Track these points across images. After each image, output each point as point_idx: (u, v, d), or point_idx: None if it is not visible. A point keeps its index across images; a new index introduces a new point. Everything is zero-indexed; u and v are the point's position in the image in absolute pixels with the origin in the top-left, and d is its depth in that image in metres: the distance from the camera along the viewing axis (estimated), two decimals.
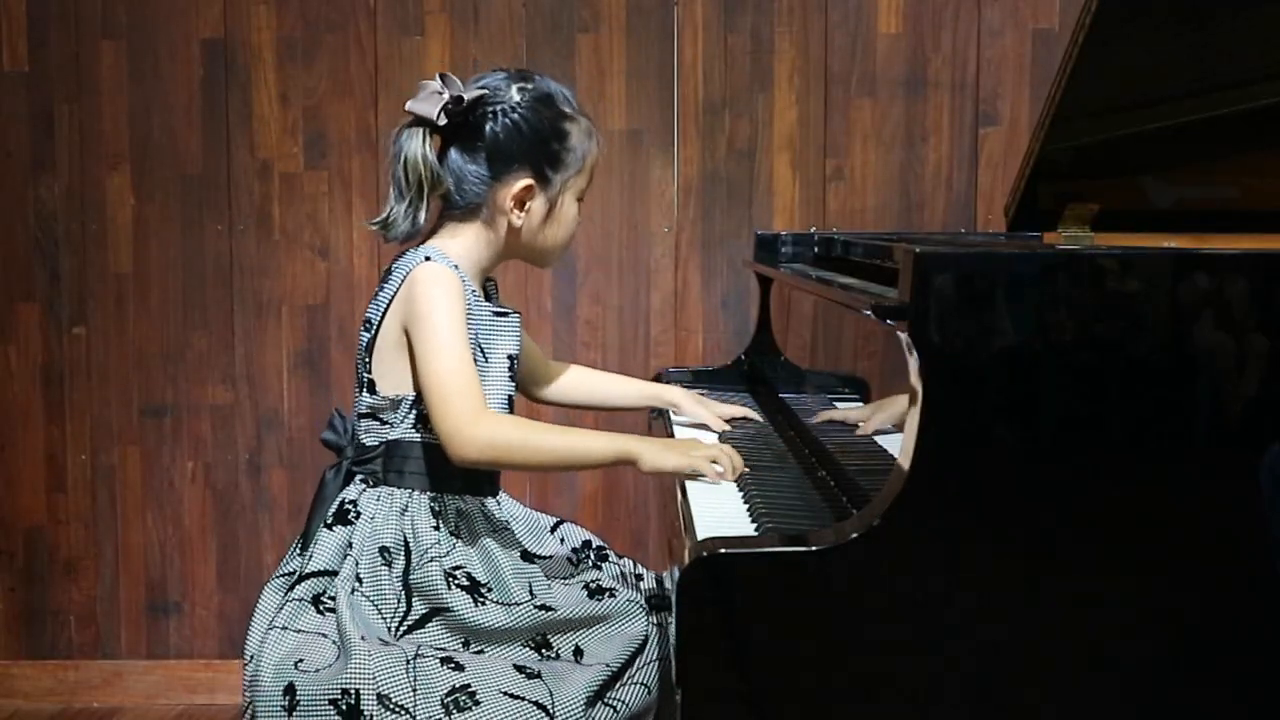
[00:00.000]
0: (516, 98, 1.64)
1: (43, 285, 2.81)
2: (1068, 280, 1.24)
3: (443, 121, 1.61)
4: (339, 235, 2.78)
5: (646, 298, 2.76)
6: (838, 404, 1.76)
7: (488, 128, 1.64)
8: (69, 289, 2.81)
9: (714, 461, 1.60)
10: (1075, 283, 1.24)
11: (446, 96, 1.61)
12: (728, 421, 1.95)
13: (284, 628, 1.56)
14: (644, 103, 2.73)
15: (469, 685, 1.49)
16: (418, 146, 1.62)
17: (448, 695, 1.48)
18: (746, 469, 1.61)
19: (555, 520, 1.81)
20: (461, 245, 1.67)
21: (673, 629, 1.26)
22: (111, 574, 2.86)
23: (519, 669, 1.53)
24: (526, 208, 1.67)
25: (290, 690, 1.49)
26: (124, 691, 2.87)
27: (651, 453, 1.59)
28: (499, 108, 1.64)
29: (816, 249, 2.26)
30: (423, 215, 1.64)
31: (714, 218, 2.74)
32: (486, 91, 1.64)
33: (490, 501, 1.69)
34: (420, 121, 1.62)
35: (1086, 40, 1.84)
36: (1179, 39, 1.92)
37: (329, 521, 1.63)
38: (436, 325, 1.57)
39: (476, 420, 1.55)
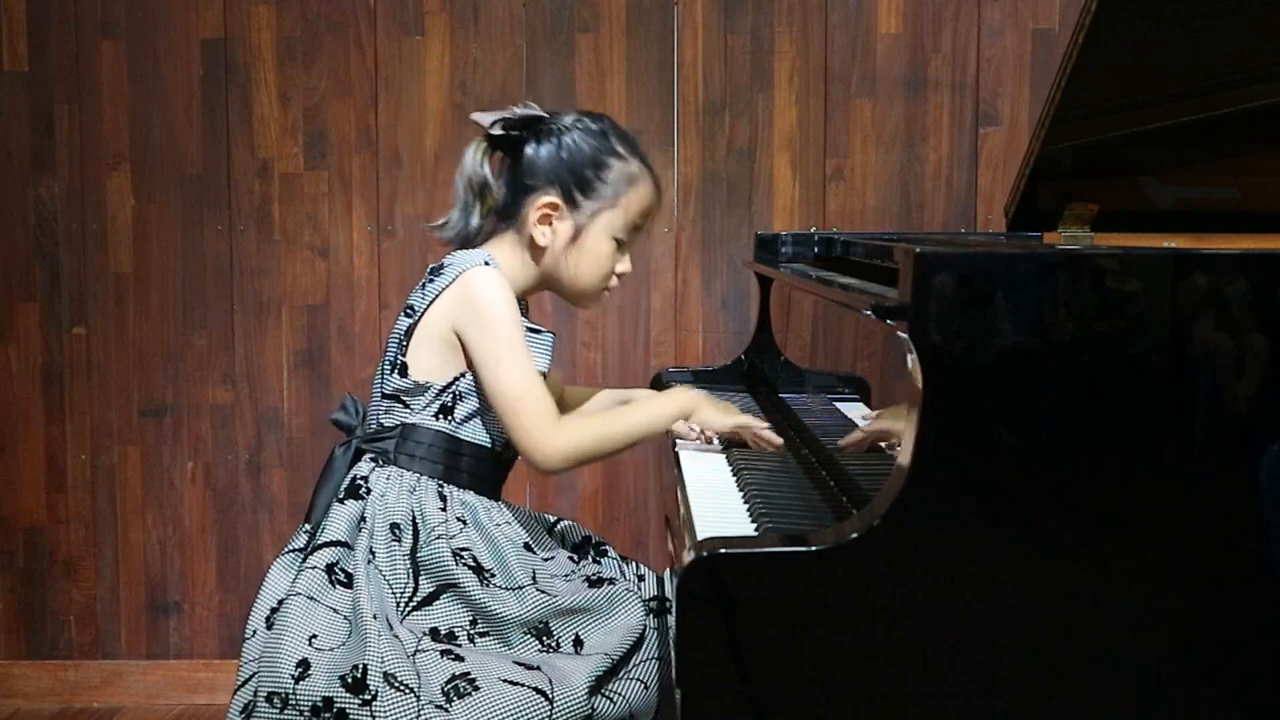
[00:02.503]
0: (568, 122, 1.72)
1: (43, 285, 2.81)
2: (1068, 280, 1.24)
3: (496, 131, 1.70)
4: (339, 235, 2.78)
5: (646, 298, 2.76)
6: (838, 404, 1.76)
7: (533, 143, 1.71)
8: (69, 289, 2.81)
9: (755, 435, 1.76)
10: (1075, 283, 1.24)
11: (507, 112, 1.71)
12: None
13: (302, 595, 1.58)
14: (644, 103, 2.73)
15: (469, 674, 1.51)
16: (471, 156, 1.72)
17: (448, 683, 1.50)
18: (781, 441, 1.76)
19: (553, 519, 1.82)
20: (505, 258, 1.73)
21: (673, 629, 1.26)
22: (111, 574, 2.86)
23: (519, 663, 1.55)
24: (551, 226, 1.71)
25: (303, 664, 1.51)
26: (124, 691, 2.87)
27: (706, 409, 1.78)
28: (550, 128, 1.72)
29: (816, 249, 2.26)
30: (474, 221, 1.73)
31: (714, 218, 2.74)
32: (547, 115, 1.73)
33: (492, 503, 1.70)
34: (483, 135, 1.71)
35: (1086, 40, 1.84)
36: (1179, 39, 1.92)
37: (340, 496, 1.66)
38: (499, 336, 1.64)
39: (554, 434, 1.64)
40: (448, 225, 1.74)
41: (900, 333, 1.25)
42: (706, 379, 2.34)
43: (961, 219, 2.70)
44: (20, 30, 2.77)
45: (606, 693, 1.57)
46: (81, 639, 2.87)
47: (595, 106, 2.70)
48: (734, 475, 1.66)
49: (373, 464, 1.68)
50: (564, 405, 1.97)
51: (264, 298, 2.80)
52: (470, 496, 1.67)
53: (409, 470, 1.66)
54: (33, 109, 2.78)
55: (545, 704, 1.49)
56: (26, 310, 2.82)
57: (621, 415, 1.75)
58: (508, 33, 2.73)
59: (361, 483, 1.66)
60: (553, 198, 1.70)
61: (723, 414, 1.78)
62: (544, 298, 2.75)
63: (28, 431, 2.84)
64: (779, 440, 1.76)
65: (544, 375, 1.71)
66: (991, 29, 2.67)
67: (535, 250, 1.72)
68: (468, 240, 1.74)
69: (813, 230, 2.55)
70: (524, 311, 1.77)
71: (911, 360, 1.23)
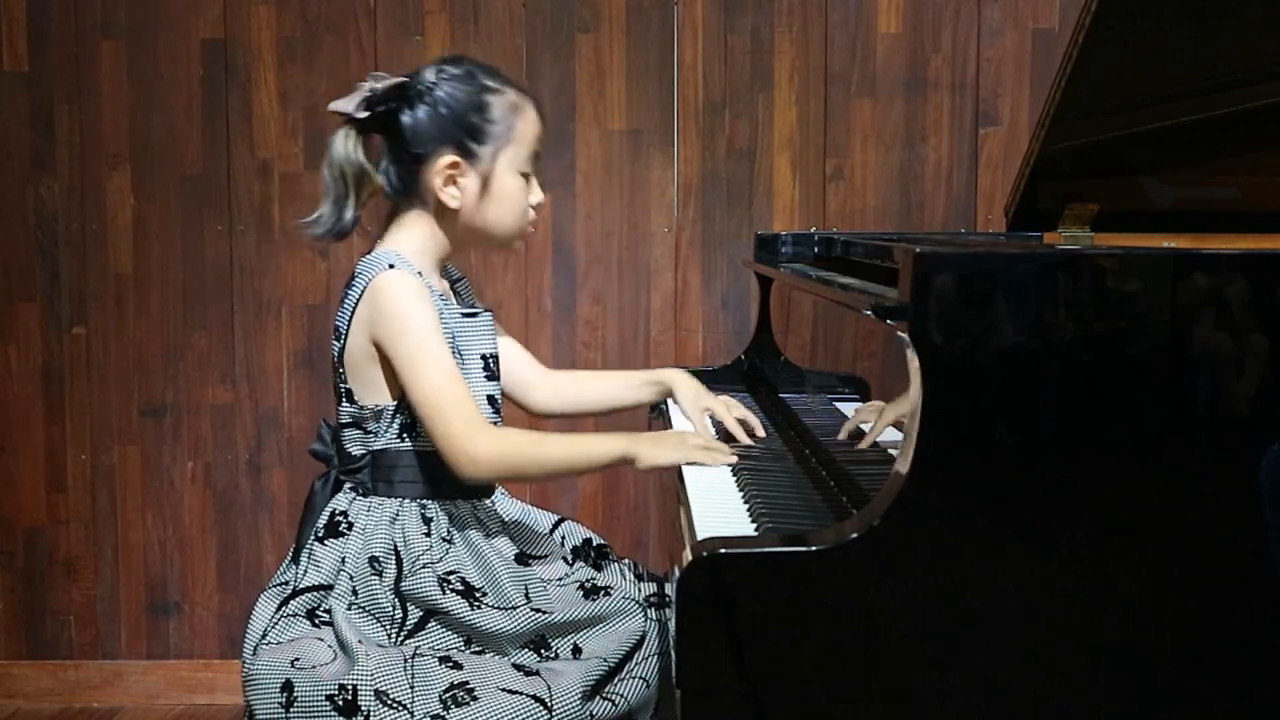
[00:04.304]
0: (431, 79, 1.64)
1: (43, 285, 2.81)
2: (1068, 280, 1.24)
3: (362, 114, 1.62)
4: None
5: (646, 298, 2.76)
6: (838, 404, 1.76)
7: (406, 113, 1.64)
8: (69, 289, 2.81)
9: (708, 449, 1.65)
10: (1075, 283, 1.24)
11: (366, 90, 1.62)
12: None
13: (278, 643, 1.56)
14: (644, 103, 2.73)
15: (467, 682, 1.49)
16: (340, 144, 1.63)
17: (446, 691, 1.48)
18: (735, 458, 1.66)
19: (556, 519, 1.80)
20: (414, 240, 1.66)
21: (672, 628, 1.26)
22: (111, 574, 2.86)
23: (517, 667, 1.54)
24: (458, 185, 1.65)
25: (288, 687, 1.49)
26: (124, 691, 2.87)
27: (648, 450, 1.62)
28: (416, 91, 1.64)
29: (816, 249, 2.26)
30: (349, 213, 1.65)
31: (714, 218, 2.74)
32: (405, 79, 1.65)
33: (484, 502, 1.68)
34: (349, 121, 1.63)
35: (1086, 40, 1.84)
36: (1179, 39, 1.92)
37: (320, 535, 1.62)
38: (411, 340, 1.57)
39: (476, 438, 1.55)
40: (319, 221, 1.65)
41: (900, 333, 1.25)
42: (706, 379, 2.33)
43: (961, 219, 2.70)
44: (20, 30, 2.77)
45: (607, 694, 1.56)
46: (81, 639, 2.87)
47: (595, 106, 2.71)
48: (734, 475, 1.65)
49: (353, 494, 1.64)
50: (546, 389, 1.91)
51: (264, 298, 2.80)
52: (457, 506, 1.63)
53: (390, 497, 1.62)
54: (33, 109, 2.78)
55: (544, 711, 1.48)
56: (26, 310, 2.82)
57: (558, 442, 1.64)
58: (508, 33, 2.73)
59: (341, 519, 1.62)
60: (450, 156, 1.63)
61: (671, 450, 1.64)
62: (543, 292, 2.75)
63: (28, 431, 2.84)
64: (734, 452, 1.68)
65: (494, 358, 1.67)
66: (991, 29, 2.67)
67: (447, 215, 1.66)
68: (343, 234, 1.66)
69: (813, 230, 2.55)
70: (461, 295, 1.74)
71: (911, 360, 1.23)
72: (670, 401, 1.96)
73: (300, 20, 2.74)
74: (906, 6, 2.68)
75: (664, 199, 2.74)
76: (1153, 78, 1.97)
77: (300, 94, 2.75)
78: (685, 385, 1.88)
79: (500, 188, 1.66)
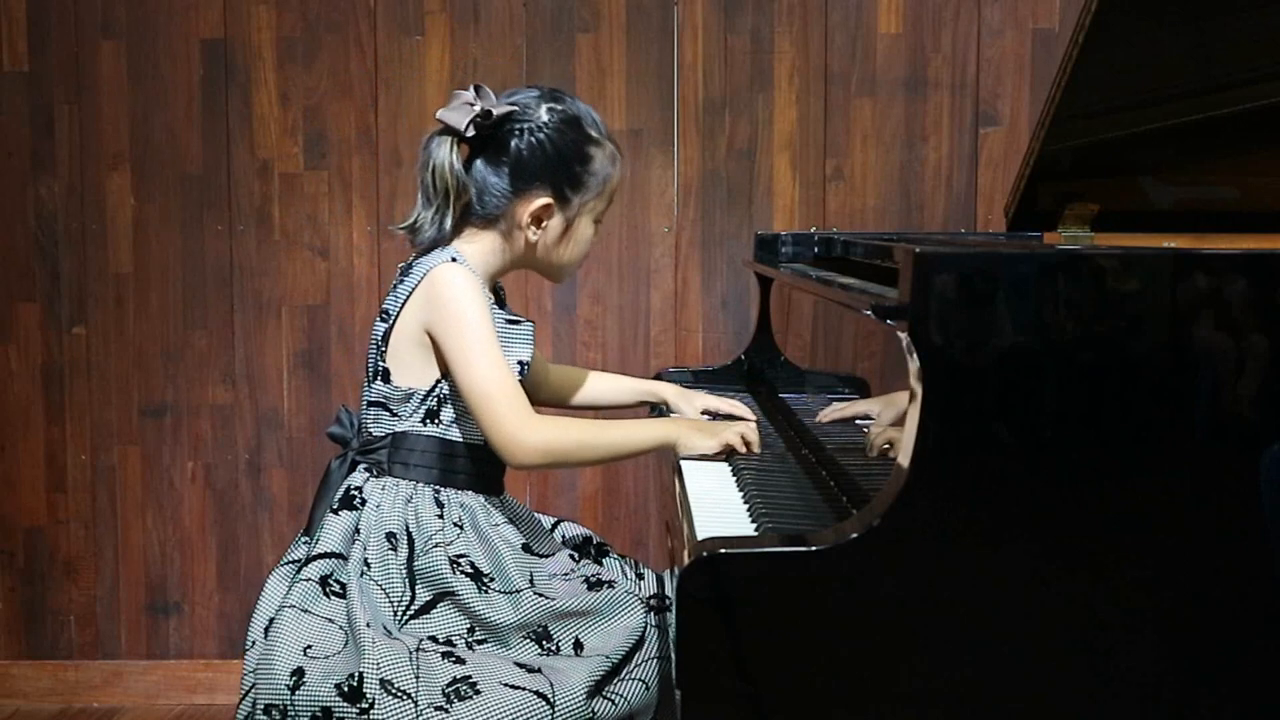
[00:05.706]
0: (545, 117, 1.67)
1: (43, 285, 2.81)
2: (1068, 280, 1.24)
3: (471, 133, 1.64)
4: (339, 235, 2.78)
5: (646, 298, 2.76)
6: (837, 403, 1.76)
7: (513, 143, 1.67)
8: (69, 289, 2.81)
9: (742, 436, 1.72)
10: (1075, 283, 1.24)
11: (478, 109, 1.64)
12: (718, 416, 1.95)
13: (294, 606, 1.57)
14: (644, 103, 2.73)
15: (470, 677, 1.50)
16: (446, 155, 1.64)
17: (449, 685, 1.49)
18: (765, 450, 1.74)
19: (555, 520, 1.83)
20: (477, 251, 1.70)
21: (673, 629, 1.26)
22: (111, 574, 2.86)
23: (520, 665, 1.55)
24: (543, 225, 1.70)
25: (298, 672, 1.51)
26: (124, 691, 2.87)
27: (687, 436, 1.72)
28: (527, 125, 1.67)
29: (816, 249, 2.26)
30: (449, 222, 1.67)
31: (714, 218, 2.74)
32: (516, 108, 1.67)
33: (494, 500, 1.70)
34: (449, 131, 1.65)
35: (1086, 40, 1.84)
36: (1179, 39, 1.92)
37: (335, 507, 1.65)
38: (469, 331, 1.61)
39: (527, 426, 1.61)
40: (420, 229, 1.67)
41: (900, 333, 1.25)
42: (706, 379, 2.34)
43: (961, 219, 2.70)
44: (20, 30, 2.77)
45: (607, 694, 1.57)
46: (81, 639, 2.87)
47: (595, 106, 2.70)
48: (734, 475, 1.66)
49: (367, 474, 1.67)
50: (550, 385, 1.98)
51: (264, 298, 2.80)
52: (468, 497, 1.67)
53: (404, 479, 1.65)
54: (33, 109, 2.78)
55: (546, 707, 1.49)
56: (26, 310, 2.82)
57: (605, 428, 1.71)
58: (508, 33, 2.73)
59: (356, 493, 1.66)
60: (546, 199, 1.68)
61: (708, 437, 1.72)
62: (543, 292, 2.75)
63: (28, 431, 2.84)
64: (754, 439, 1.74)
65: (528, 365, 1.70)
66: (991, 29, 2.67)
67: (524, 245, 1.71)
68: (440, 242, 1.68)
69: (813, 230, 2.55)
70: (501, 302, 1.77)
71: (911, 361, 1.23)
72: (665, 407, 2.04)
73: (300, 20, 2.74)
74: (906, 6, 2.68)
75: (664, 199, 2.74)
76: (1153, 78, 1.97)
77: (300, 94, 2.75)
78: (675, 394, 1.99)
79: (578, 234, 1.74)
